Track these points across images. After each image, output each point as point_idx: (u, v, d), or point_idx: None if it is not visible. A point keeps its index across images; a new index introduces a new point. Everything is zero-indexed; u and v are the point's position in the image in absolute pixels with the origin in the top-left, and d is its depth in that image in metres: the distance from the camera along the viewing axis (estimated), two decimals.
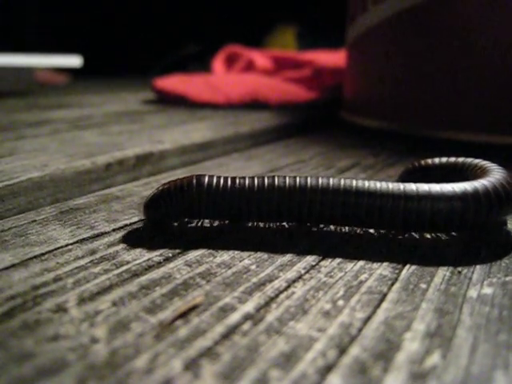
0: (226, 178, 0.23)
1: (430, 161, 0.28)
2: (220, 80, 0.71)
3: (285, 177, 0.23)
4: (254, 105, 0.66)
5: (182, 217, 0.24)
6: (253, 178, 0.23)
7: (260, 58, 0.79)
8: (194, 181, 0.23)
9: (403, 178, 0.29)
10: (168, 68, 1.47)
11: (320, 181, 0.22)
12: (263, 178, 0.23)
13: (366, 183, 0.23)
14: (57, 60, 0.82)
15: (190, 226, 0.24)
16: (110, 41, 1.73)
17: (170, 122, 0.54)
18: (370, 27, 0.48)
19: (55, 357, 0.14)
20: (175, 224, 0.24)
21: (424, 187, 0.22)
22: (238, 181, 0.23)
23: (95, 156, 0.36)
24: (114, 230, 0.24)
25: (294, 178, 0.23)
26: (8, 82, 0.82)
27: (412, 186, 0.22)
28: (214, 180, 0.23)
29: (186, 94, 0.67)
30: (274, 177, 0.23)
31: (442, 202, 0.22)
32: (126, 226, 0.24)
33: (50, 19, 1.62)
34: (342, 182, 0.22)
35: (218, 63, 0.83)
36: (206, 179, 0.23)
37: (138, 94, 0.87)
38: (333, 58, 0.76)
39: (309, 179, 0.23)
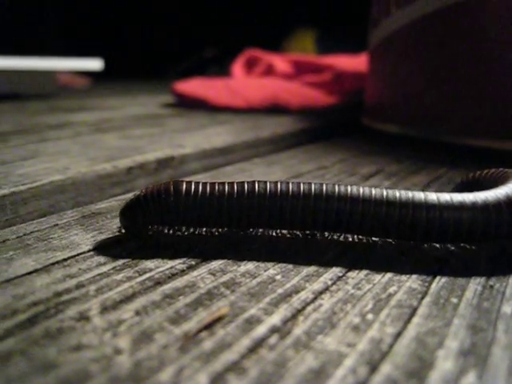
0: (204, 185, 0.22)
1: (485, 172, 0.27)
2: (240, 84, 0.70)
3: (266, 182, 0.22)
4: (273, 109, 0.65)
5: (160, 224, 0.23)
6: (232, 183, 0.22)
7: (280, 62, 0.79)
8: (172, 187, 0.22)
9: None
10: (186, 71, 1.48)
11: (305, 186, 0.22)
12: (243, 183, 0.22)
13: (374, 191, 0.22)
14: (78, 63, 0.82)
15: (204, 233, 0.24)
16: (129, 44, 1.74)
17: (190, 125, 0.53)
18: (393, 32, 0.47)
19: (78, 368, 0.14)
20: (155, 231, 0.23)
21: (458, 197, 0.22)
22: (217, 187, 0.22)
23: (116, 160, 0.35)
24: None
25: (276, 183, 0.22)
26: (31, 85, 0.82)
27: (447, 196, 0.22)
28: (192, 187, 0.22)
29: (206, 97, 0.67)
30: (254, 182, 0.22)
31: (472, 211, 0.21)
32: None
33: (71, 23, 1.63)
34: (313, 187, 0.22)
35: (238, 67, 0.83)
36: (184, 186, 0.22)
37: (158, 98, 0.87)
38: (353, 63, 0.75)
39: (301, 185, 0.22)
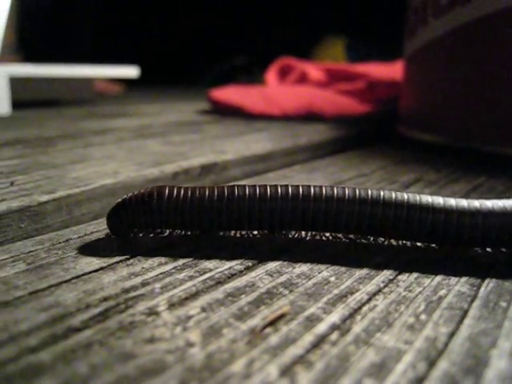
0: (186, 189, 0.23)
1: None
2: (275, 92, 0.71)
3: (245, 186, 0.23)
4: (308, 117, 0.66)
5: (144, 227, 0.23)
6: (213, 188, 0.23)
7: (313, 71, 0.79)
8: (155, 192, 0.23)
9: None
10: (217, 79, 1.49)
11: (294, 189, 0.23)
12: (223, 188, 0.23)
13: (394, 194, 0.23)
14: (116, 71, 0.84)
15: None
16: (161, 51, 1.76)
17: (228, 132, 0.55)
18: (430, 40, 0.48)
19: (155, 358, 0.14)
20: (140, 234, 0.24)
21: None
22: (197, 192, 0.23)
23: (162, 165, 0.37)
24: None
25: (254, 186, 0.23)
26: (70, 91, 0.85)
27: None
28: (175, 191, 0.23)
29: (242, 105, 0.68)
30: (234, 186, 0.23)
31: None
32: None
33: (106, 32, 1.67)
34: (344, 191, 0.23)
35: (272, 75, 0.84)
36: (167, 191, 0.23)
37: (193, 105, 0.89)
38: (387, 71, 0.76)
39: (290, 188, 0.23)
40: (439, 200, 0.22)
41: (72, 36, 1.53)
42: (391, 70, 0.75)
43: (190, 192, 0.23)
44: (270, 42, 1.61)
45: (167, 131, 0.54)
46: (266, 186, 0.23)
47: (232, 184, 0.23)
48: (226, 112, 0.72)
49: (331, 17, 1.51)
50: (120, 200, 0.23)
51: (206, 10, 1.74)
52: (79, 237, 0.24)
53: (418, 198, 0.22)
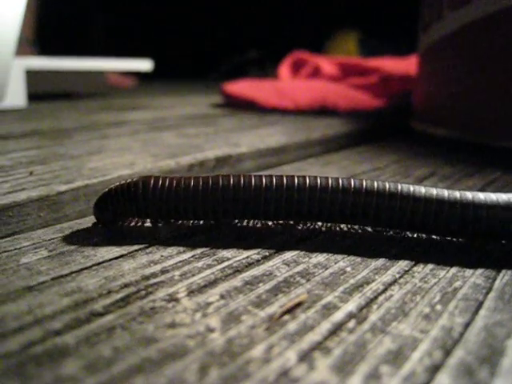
0: (171, 179, 0.23)
1: None
2: (288, 86, 0.71)
3: (229, 175, 0.23)
4: (321, 111, 0.66)
5: (130, 217, 0.24)
6: (198, 178, 0.23)
7: (326, 65, 0.79)
8: (141, 182, 0.23)
9: None
10: (229, 73, 1.50)
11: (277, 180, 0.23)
12: (208, 177, 0.23)
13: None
14: (129, 64, 0.84)
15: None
16: (172, 45, 1.77)
17: (241, 125, 0.55)
18: (445, 35, 0.48)
19: (176, 342, 0.15)
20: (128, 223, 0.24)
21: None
22: (183, 182, 0.23)
23: (178, 157, 0.37)
24: (207, 227, 0.25)
25: (239, 176, 0.23)
26: (83, 84, 0.85)
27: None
28: (160, 181, 0.23)
29: (255, 98, 0.68)
30: (218, 176, 0.23)
31: None
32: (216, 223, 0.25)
33: (119, 25, 1.67)
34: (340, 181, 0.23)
35: (285, 69, 0.84)
36: (152, 180, 0.23)
37: (206, 98, 0.89)
38: (400, 65, 0.75)
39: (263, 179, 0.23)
40: (458, 194, 0.23)
41: (85, 29, 1.53)
42: (404, 65, 0.75)
43: (174, 182, 0.23)
44: (282, 36, 1.61)
45: (181, 124, 0.55)
46: (250, 175, 0.23)
47: (217, 174, 0.24)
48: (238, 105, 0.72)
49: (344, 11, 1.50)
50: (106, 189, 0.24)
51: (218, 3, 1.74)
52: (97, 226, 0.25)
53: (435, 191, 0.23)
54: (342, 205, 0.22)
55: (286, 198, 0.22)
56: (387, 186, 0.23)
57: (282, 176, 0.23)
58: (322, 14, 1.58)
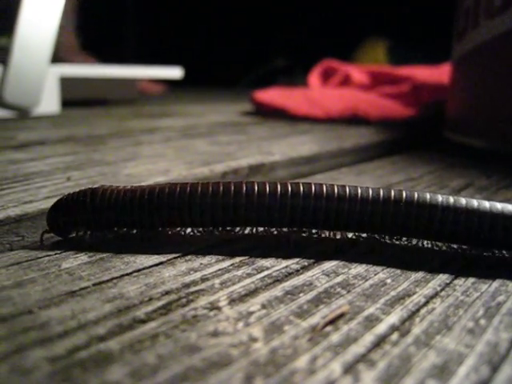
0: (119, 190, 0.23)
1: None
2: (319, 94, 0.71)
3: (176, 184, 0.23)
4: (352, 120, 0.66)
5: (82, 227, 0.24)
6: (142, 188, 0.23)
7: (357, 73, 0.79)
8: (89, 191, 0.23)
9: None
10: (257, 81, 1.50)
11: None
12: (155, 187, 0.23)
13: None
14: (160, 71, 0.85)
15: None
16: (201, 53, 1.78)
17: (273, 134, 0.55)
18: (481, 43, 0.47)
19: (220, 351, 0.15)
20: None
21: None
22: (129, 191, 0.23)
23: (211, 164, 0.37)
24: (245, 236, 0.25)
25: (193, 184, 0.23)
26: (115, 91, 0.86)
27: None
28: (108, 191, 0.23)
29: (285, 107, 0.68)
30: (168, 185, 0.23)
31: None
32: (254, 232, 0.25)
33: (150, 34, 1.70)
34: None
35: (314, 77, 0.84)
36: (101, 190, 0.23)
37: (235, 106, 0.89)
38: (431, 74, 0.75)
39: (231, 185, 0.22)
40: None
41: (118, 37, 1.56)
42: (436, 74, 0.74)
43: (122, 192, 0.23)
44: (310, 44, 1.61)
45: (213, 131, 0.55)
46: (197, 183, 0.23)
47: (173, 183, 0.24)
48: (269, 113, 0.72)
49: (373, 19, 1.50)
50: (58, 199, 0.24)
51: (247, 12, 1.75)
52: (136, 232, 0.25)
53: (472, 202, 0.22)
54: (402, 217, 0.22)
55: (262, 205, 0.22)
56: (447, 198, 0.22)
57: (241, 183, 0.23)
58: (350, 22, 1.57)
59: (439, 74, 0.74)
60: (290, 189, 0.22)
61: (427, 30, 1.33)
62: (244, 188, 0.22)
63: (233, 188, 0.22)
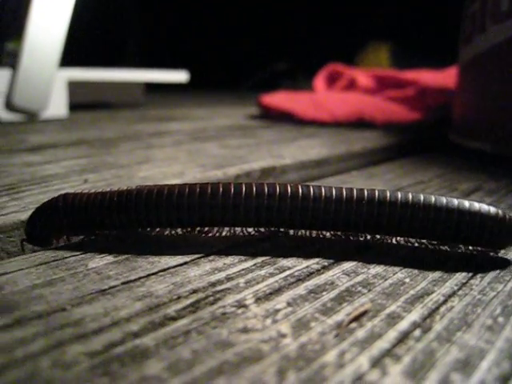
0: (89, 194, 0.24)
1: None
2: (325, 98, 0.72)
3: (144, 187, 0.23)
4: (358, 123, 0.67)
5: (60, 233, 0.24)
6: (111, 192, 0.24)
7: (362, 77, 0.80)
8: (61, 197, 0.24)
9: None
10: (259, 84, 1.51)
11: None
12: (126, 191, 0.23)
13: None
14: (166, 75, 0.86)
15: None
16: (203, 56, 1.79)
17: (281, 137, 0.56)
18: (488, 47, 0.48)
19: (251, 347, 0.15)
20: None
21: None
22: (99, 195, 0.23)
23: (224, 167, 0.38)
24: (261, 237, 0.25)
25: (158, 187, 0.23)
26: (120, 95, 0.87)
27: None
28: (78, 196, 0.24)
29: (292, 110, 0.69)
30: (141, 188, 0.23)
31: None
32: (273, 234, 0.26)
33: (151, 38, 1.70)
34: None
35: (320, 81, 0.84)
36: (71, 195, 0.24)
37: (241, 109, 0.90)
38: (437, 78, 0.75)
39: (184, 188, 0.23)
40: None
41: (121, 42, 1.56)
42: (441, 77, 0.75)
43: (92, 195, 0.24)
44: (313, 47, 1.62)
45: (222, 135, 0.56)
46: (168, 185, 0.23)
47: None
48: (275, 117, 0.73)
49: (376, 22, 1.50)
50: (35, 208, 0.25)
51: (248, 15, 1.75)
52: (157, 233, 0.25)
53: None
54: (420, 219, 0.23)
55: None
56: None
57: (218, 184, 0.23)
58: (353, 25, 1.58)
59: (444, 77, 0.74)
60: (323, 192, 0.23)
61: (430, 34, 1.33)
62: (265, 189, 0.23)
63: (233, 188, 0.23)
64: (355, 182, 0.38)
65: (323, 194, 0.22)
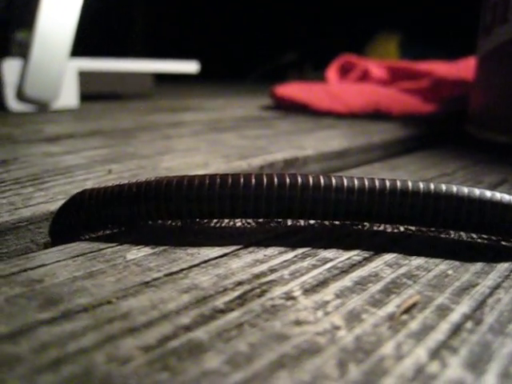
0: (105, 188, 0.23)
1: None
2: (340, 89, 0.72)
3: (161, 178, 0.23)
4: (374, 115, 0.66)
5: (83, 230, 0.24)
6: (121, 185, 0.23)
7: (375, 68, 0.79)
8: (79, 194, 0.24)
9: None
10: (266, 75, 1.50)
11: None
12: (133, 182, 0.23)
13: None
14: (177, 66, 0.86)
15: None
16: (209, 47, 1.78)
17: (298, 128, 0.55)
18: (509, 39, 0.47)
19: (307, 339, 0.15)
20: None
21: None
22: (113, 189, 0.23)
23: (248, 158, 0.38)
24: (297, 228, 0.25)
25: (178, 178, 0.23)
26: (130, 85, 0.87)
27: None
28: (95, 191, 0.23)
29: (307, 101, 0.69)
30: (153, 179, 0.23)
31: None
32: (309, 225, 0.26)
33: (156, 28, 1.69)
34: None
35: (332, 72, 0.84)
36: (88, 192, 0.24)
37: (253, 100, 0.90)
38: (450, 69, 0.75)
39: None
40: None
41: (130, 32, 1.56)
42: (455, 69, 0.74)
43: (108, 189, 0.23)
44: (321, 38, 1.61)
45: (239, 126, 0.56)
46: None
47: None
48: (289, 108, 0.72)
49: (385, 13, 1.49)
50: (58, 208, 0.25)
51: (255, 5, 1.74)
52: (190, 224, 0.25)
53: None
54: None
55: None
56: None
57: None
58: (361, 16, 1.57)
59: (458, 69, 0.74)
60: (367, 184, 0.22)
61: (440, 25, 1.33)
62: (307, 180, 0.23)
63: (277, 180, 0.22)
64: (379, 173, 0.37)
65: (370, 185, 0.22)
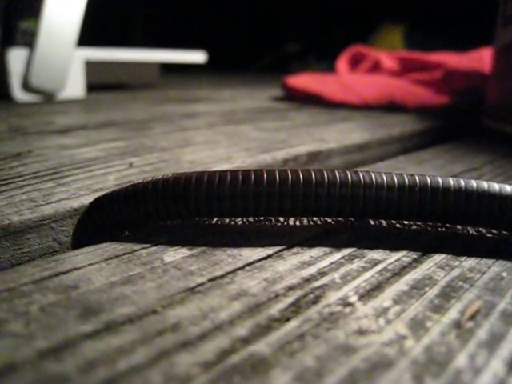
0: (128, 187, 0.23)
1: None
2: (353, 80, 0.70)
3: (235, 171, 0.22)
4: (388, 107, 0.65)
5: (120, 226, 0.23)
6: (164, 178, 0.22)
7: (386, 59, 0.78)
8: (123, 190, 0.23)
9: None
10: (268, 66, 1.49)
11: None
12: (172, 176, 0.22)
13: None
14: (184, 56, 0.84)
15: None
16: (212, 37, 1.76)
17: (315, 120, 0.54)
18: None
19: (376, 351, 0.14)
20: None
21: None
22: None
23: (271, 151, 0.36)
24: (337, 227, 0.24)
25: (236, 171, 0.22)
26: (136, 76, 0.85)
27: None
28: (130, 189, 0.23)
29: (320, 93, 0.67)
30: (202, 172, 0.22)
31: None
32: (351, 224, 0.25)
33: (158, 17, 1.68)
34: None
35: (343, 63, 0.83)
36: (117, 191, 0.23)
37: (263, 91, 0.89)
38: (463, 61, 0.74)
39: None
40: None
41: (125, 22, 1.54)
42: (467, 60, 0.73)
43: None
44: (324, 29, 1.60)
45: (254, 117, 0.54)
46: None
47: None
48: (301, 99, 0.71)
49: (389, 3, 1.48)
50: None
51: None
52: (227, 225, 0.24)
53: None
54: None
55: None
56: None
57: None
58: (365, 6, 1.56)
59: (469, 61, 0.73)
60: (408, 181, 0.22)
61: (444, 17, 1.31)
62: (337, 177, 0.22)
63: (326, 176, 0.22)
64: (406, 168, 0.36)
65: (412, 182, 0.21)
